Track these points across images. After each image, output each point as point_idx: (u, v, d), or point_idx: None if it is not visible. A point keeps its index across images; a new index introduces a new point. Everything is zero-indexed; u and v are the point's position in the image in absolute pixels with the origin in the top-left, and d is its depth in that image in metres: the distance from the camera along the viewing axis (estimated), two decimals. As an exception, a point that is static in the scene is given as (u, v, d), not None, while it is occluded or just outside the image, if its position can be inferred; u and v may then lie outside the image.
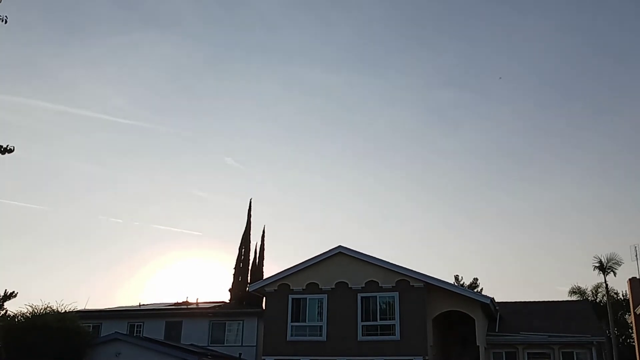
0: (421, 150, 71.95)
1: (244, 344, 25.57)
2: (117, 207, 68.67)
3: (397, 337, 20.29)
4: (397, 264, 21.19)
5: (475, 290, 46.06)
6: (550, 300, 28.24)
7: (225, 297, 30.73)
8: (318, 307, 21.64)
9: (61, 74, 64.13)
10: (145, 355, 20.49)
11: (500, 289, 77.22)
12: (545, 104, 69.80)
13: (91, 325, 25.92)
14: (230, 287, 30.67)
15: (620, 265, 38.54)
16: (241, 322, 26.26)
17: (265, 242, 31.77)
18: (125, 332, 24.45)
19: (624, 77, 65.98)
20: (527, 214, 72.40)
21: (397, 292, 20.81)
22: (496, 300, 22.77)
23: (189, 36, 67.98)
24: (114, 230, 69.86)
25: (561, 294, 59.12)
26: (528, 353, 22.02)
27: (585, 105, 69.77)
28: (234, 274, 30.90)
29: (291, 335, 21.45)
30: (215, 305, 28.57)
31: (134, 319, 27.34)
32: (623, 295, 46.80)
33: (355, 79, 69.67)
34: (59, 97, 66.57)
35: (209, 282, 60.59)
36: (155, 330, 26.14)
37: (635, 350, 37.51)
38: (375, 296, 21.08)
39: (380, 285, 21.08)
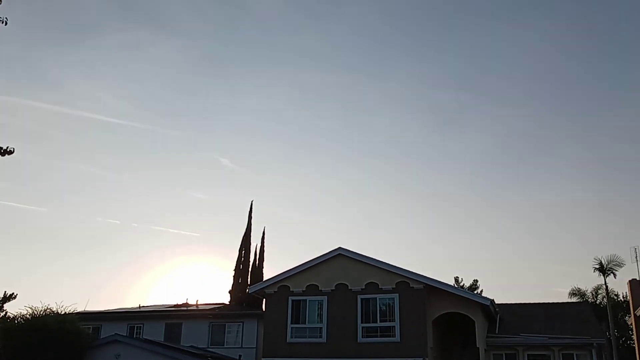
0: (422, 151, 72.05)
1: (243, 346, 25.56)
2: (114, 208, 68.76)
3: (397, 338, 20.26)
4: (397, 265, 21.18)
5: (475, 291, 46.07)
6: (550, 302, 28.19)
7: (225, 299, 30.78)
8: (318, 308, 21.62)
9: (57, 74, 64.19)
10: (145, 357, 20.48)
11: (501, 290, 77.08)
12: (546, 104, 69.89)
13: (91, 327, 25.92)
14: (230, 288, 30.72)
15: (621, 266, 38.42)
16: (241, 323, 26.26)
17: (265, 244, 31.86)
18: (125, 334, 24.45)
19: (626, 77, 66.07)
20: (528, 215, 72.55)
21: (397, 294, 20.79)
22: (496, 302, 22.76)
23: (185, 36, 68.08)
24: (112, 231, 69.90)
25: (561, 296, 59.03)
26: (528, 355, 21.99)
27: (587, 105, 69.87)
28: (233, 276, 30.96)
29: (291, 337, 21.43)
30: (215, 307, 28.55)
31: (134, 320, 27.34)
32: (623, 297, 46.77)
33: (355, 79, 69.74)
34: (54, 97, 66.66)
35: (209, 284, 60.64)
36: (155, 332, 26.13)
37: (635, 352, 37.47)
38: (375, 298, 21.07)
39: (380, 286, 21.06)
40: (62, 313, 21.66)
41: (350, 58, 71.29)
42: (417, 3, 65.20)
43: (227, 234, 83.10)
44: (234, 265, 31.30)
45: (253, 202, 32.53)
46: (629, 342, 45.64)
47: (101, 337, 24.09)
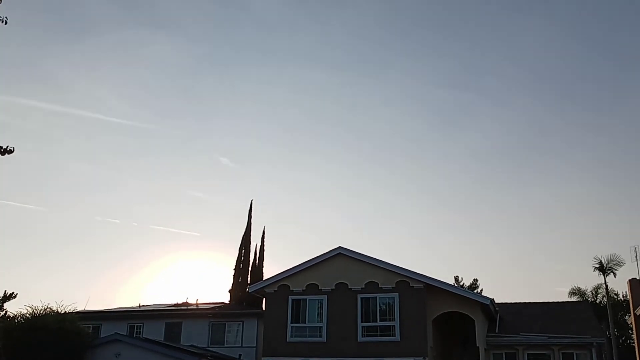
0: (421, 151, 72.02)
1: (243, 345, 25.57)
2: (114, 207, 68.68)
3: (397, 338, 20.27)
4: (397, 264, 21.18)
5: (475, 291, 46.00)
6: (550, 301, 28.16)
7: (225, 298, 30.79)
8: (318, 308, 21.62)
9: (57, 74, 64.17)
10: (145, 356, 20.49)
11: (500, 290, 77.25)
12: (544, 104, 69.89)
13: (91, 326, 25.91)
14: (230, 288, 30.73)
15: (621, 266, 38.39)
16: (241, 323, 26.26)
17: (265, 243, 31.87)
18: (125, 333, 24.44)
19: (623, 77, 66.11)
20: (528, 215, 72.46)
21: (397, 293, 20.79)
22: (496, 301, 22.75)
23: (186, 36, 68.06)
24: (112, 231, 69.87)
25: (561, 295, 59.00)
26: (528, 354, 22.00)
27: (584, 105, 69.89)
28: (234, 275, 30.97)
29: (291, 336, 21.44)
30: (215, 306, 28.56)
31: (134, 319, 27.34)
32: (623, 296, 46.73)
33: (354, 79, 69.76)
34: (55, 97, 66.62)
35: (209, 283, 60.66)
36: (155, 331, 26.14)
37: (635, 351, 37.47)
38: (375, 297, 21.07)
39: (380, 286, 21.06)
40: (62, 312, 21.67)
41: (350, 58, 71.35)
42: (417, 3, 65.24)
43: (227, 234, 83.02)
44: (234, 264, 31.33)
45: (253, 202, 32.59)
46: (629, 341, 45.62)
47: (101, 336, 24.09)
